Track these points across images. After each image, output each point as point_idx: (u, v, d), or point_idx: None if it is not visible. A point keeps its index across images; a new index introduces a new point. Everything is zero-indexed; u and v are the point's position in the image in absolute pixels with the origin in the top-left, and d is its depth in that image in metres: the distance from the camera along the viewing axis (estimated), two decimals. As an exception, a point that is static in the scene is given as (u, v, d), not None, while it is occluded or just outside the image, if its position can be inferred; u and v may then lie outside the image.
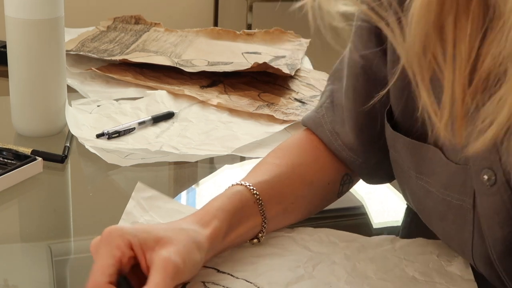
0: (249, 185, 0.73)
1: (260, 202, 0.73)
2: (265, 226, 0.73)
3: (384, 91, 0.69)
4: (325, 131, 0.81)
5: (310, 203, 0.79)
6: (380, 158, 0.79)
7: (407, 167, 0.72)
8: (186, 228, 0.66)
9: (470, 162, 0.64)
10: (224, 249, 0.70)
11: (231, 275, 0.67)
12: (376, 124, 0.77)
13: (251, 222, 0.72)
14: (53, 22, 0.94)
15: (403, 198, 0.80)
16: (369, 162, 0.80)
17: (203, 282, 0.66)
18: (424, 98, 0.57)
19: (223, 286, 0.66)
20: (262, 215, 0.73)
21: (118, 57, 1.22)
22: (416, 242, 0.74)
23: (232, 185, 0.74)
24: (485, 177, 0.62)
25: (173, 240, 0.62)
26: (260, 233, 0.73)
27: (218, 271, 0.68)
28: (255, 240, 0.73)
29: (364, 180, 0.83)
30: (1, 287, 0.66)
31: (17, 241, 0.73)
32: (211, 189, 0.90)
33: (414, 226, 0.82)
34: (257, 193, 0.73)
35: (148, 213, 0.76)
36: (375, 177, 0.83)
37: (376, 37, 0.74)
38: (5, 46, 0.97)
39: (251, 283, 0.66)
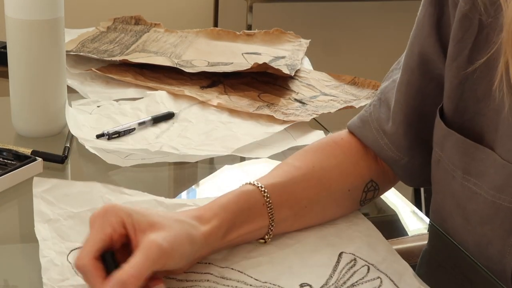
0: (260, 186, 0.72)
1: (270, 205, 0.72)
2: (272, 228, 0.72)
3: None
4: (372, 129, 0.80)
5: (325, 209, 0.77)
6: (425, 158, 0.77)
7: (454, 166, 0.71)
8: (183, 220, 0.66)
9: None
10: (224, 247, 0.70)
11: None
12: (425, 122, 0.76)
13: (257, 223, 0.71)
14: (53, 22, 0.94)
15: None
16: (414, 161, 0.79)
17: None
18: None
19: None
20: (270, 218, 0.72)
21: (118, 58, 1.22)
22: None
23: (245, 183, 0.73)
24: None
25: (166, 227, 0.63)
26: (267, 235, 0.72)
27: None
28: (261, 241, 0.73)
29: (404, 181, 0.82)
30: (1, 287, 0.66)
31: (17, 241, 0.73)
32: (211, 189, 0.90)
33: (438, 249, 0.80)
34: (268, 195, 0.72)
35: (56, 206, 0.75)
36: (417, 179, 0.81)
37: (437, 32, 0.73)
38: (5, 47, 0.97)
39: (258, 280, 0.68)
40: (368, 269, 0.69)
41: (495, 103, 0.67)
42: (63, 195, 0.76)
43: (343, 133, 0.84)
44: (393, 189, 0.91)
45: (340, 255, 0.70)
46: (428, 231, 0.82)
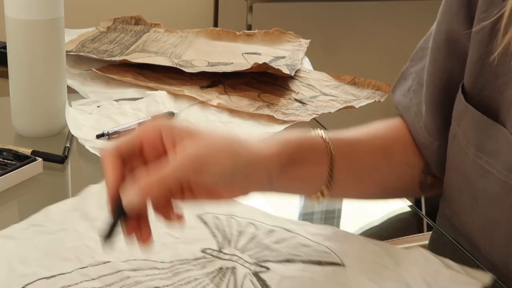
0: (323, 135, 0.70)
1: (331, 155, 0.69)
2: (330, 181, 0.69)
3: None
4: (411, 113, 0.79)
5: (385, 178, 0.75)
6: None
7: (468, 142, 0.70)
8: (235, 135, 0.63)
9: None
10: (282, 186, 0.67)
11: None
12: (451, 104, 0.74)
13: (317, 167, 0.69)
14: (53, 22, 0.94)
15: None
16: (444, 146, 0.76)
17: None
18: None
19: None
20: (330, 168, 0.69)
21: (118, 58, 1.22)
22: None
23: (311, 131, 0.71)
24: None
25: (206, 139, 0.60)
26: (325, 187, 0.69)
27: None
28: (319, 194, 0.69)
29: (438, 172, 0.78)
30: (1, 287, 0.66)
31: (17, 242, 0.73)
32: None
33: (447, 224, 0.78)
34: (331, 146, 0.69)
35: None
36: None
37: (466, 9, 0.71)
38: (5, 47, 0.97)
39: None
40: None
41: (511, 81, 0.66)
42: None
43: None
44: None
45: None
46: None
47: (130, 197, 0.58)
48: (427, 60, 0.77)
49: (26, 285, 0.63)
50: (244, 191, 0.64)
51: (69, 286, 0.64)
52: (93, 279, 0.64)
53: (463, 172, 0.71)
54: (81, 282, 0.64)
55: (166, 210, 0.61)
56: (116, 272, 0.65)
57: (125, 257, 0.67)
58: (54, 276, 0.65)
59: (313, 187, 0.69)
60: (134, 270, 0.66)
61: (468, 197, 0.71)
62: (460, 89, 0.72)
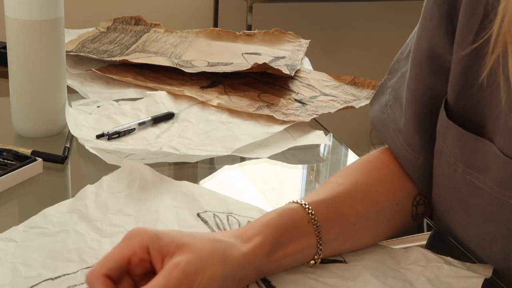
0: (304, 204, 0.69)
1: (316, 222, 0.68)
2: (321, 248, 0.68)
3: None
4: (390, 131, 0.78)
5: (377, 225, 0.73)
6: None
7: (455, 159, 0.68)
8: (219, 239, 0.62)
9: None
10: (273, 269, 0.66)
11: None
12: (435, 119, 0.73)
13: (304, 242, 0.68)
14: (53, 22, 0.94)
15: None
16: (430, 161, 0.74)
17: None
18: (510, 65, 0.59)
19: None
20: (318, 236, 0.68)
21: (118, 58, 1.22)
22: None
23: (288, 202, 0.70)
24: None
25: (194, 249, 0.60)
26: (316, 255, 0.68)
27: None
28: (312, 262, 0.69)
29: (423, 188, 0.77)
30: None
31: (17, 242, 0.73)
32: (211, 189, 0.90)
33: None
34: (313, 212, 0.68)
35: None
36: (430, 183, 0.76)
37: (447, 22, 0.69)
38: (5, 47, 0.97)
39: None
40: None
41: (496, 93, 0.65)
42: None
43: (382, 148, 0.81)
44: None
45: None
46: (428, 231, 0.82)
47: None
48: (408, 77, 0.75)
49: (32, 286, 0.63)
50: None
51: (75, 285, 0.64)
52: None
53: (454, 189, 0.70)
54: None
55: None
56: None
57: None
58: (59, 277, 0.65)
59: (304, 258, 0.69)
60: None
61: (462, 213, 0.70)
62: (442, 105, 0.71)
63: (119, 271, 0.59)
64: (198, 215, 0.76)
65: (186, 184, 0.82)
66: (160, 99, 1.09)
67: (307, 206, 0.69)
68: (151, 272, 0.60)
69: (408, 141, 0.76)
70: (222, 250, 0.61)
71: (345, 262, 0.70)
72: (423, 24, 0.72)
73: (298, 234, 0.67)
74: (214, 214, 0.76)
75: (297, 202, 0.69)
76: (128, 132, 0.98)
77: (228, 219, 0.76)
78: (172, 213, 0.76)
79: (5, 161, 0.87)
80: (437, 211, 0.75)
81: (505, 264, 0.67)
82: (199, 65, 1.23)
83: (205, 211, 0.77)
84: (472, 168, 0.67)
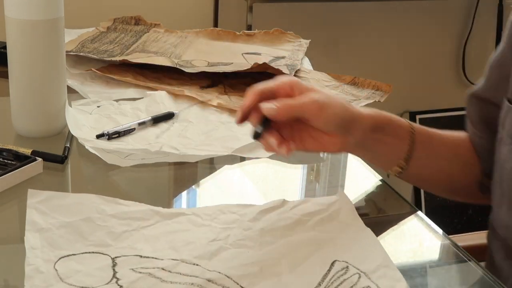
0: (409, 123, 0.85)
1: (413, 135, 0.84)
2: (410, 155, 0.84)
3: None
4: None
5: (453, 170, 0.89)
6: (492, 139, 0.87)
7: (510, 139, 0.80)
8: (344, 98, 0.80)
9: None
10: (368, 145, 0.81)
11: (156, 258, 0.69)
12: (498, 110, 0.86)
13: (400, 142, 0.83)
14: (53, 22, 0.94)
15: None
16: (487, 138, 0.89)
17: (132, 269, 0.67)
18: None
19: (154, 268, 0.67)
20: (410, 146, 0.84)
21: (118, 58, 1.22)
22: (305, 201, 0.81)
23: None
24: None
25: (326, 94, 0.77)
26: (402, 161, 0.84)
27: (141, 257, 0.69)
28: (396, 168, 0.85)
29: (486, 166, 0.90)
30: (1, 287, 0.66)
31: (17, 242, 0.73)
32: (211, 189, 0.90)
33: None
34: (414, 131, 0.84)
35: (50, 215, 0.75)
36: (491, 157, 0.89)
37: None
38: (5, 47, 0.97)
39: (177, 260, 0.68)
40: (359, 277, 0.68)
41: None
42: (57, 206, 0.76)
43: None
44: (393, 189, 0.91)
45: (333, 263, 0.70)
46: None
47: (268, 106, 0.74)
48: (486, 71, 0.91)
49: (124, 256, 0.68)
50: (343, 144, 0.79)
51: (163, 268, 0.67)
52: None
53: (509, 171, 0.80)
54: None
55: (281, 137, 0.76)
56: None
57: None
58: (148, 257, 0.69)
59: (393, 157, 0.84)
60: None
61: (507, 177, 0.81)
62: (506, 100, 0.84)
63: (269, 93, 0.76)
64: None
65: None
66: (160, 99, 1.09)
67: (411, 125, 0.85)
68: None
69: (471, 117, 0.93)
70: (344, 102, 0.78)
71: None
72: (507, 30, 0.87)
73: (398, 134, 0.84)
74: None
75: (405, 119, 0.85)
76: (128, 132, 0.98)
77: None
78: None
79: (5, 161, 0.87)
80: (493, 198, 0.86)
81: None
82: (199, 65, 1.23)
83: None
84: None
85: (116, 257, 0.68)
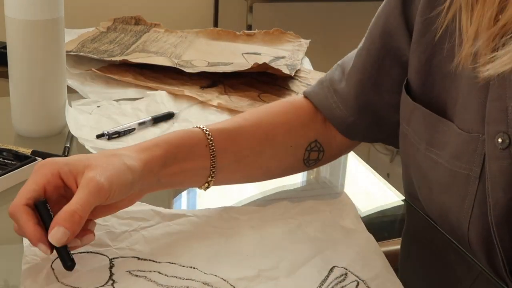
0: (205, 130, 0.76)
1: (212, 147, 0.75)
2: (213, 171, 0.76)
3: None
4: (323, 89, 0.85)
5: (268, 161, 0.81)
6: (372, 121, 0.83)
7: (419, 139, 0.75)
8: (121, 154, 0.69)
9: (486, 128, 0.67)
10: (170, 181, 0.73)
11: (153, 261, 0.68)
12: (375, 91, 0.82)
13: (198, 162, 0.75)
14: (53, 22, 0.94)
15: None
16: (360, 122, 0.83)
17: (129, 271, 0.66)
18: (463, 20, 0.65)
19: (150, 271, 0.66)
20: (212, 160, 0.75)
21: (118, 58, 1.22)
22: (308, 204, 0.79)
23: (192, 127, 0.77)
24: (499, 140, 0.65)
25: (102, 164, 0.66)
26: (209, 178, 0.76)
27: (139, 259, 0.68)
28: (205, 185, 0.76)
29: (346, 136, 0.86)
30: (1, 287, 0.66)
31: (17, 242, 0.73)
32: (211, 189, 0.90)
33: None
34: (211, 138, 0.75)
35: None
36: (358, 135, 0.86)
37: (403, 5, 0.77)
38: (5, 47, 0.97)
39: (175, 264, 0.68)
40: (357, 284, 0.67)
41: (457, 79, 0.71)
42: None
43: (299, 96, 0.89)
44: (391, 188, 0.91)
45: (331, 269, 0.69)
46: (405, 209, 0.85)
47: (56, 236, 0.62)
48: (361, 47, 0.83)
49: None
50: (140, 197, 0.72)
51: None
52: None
53: (418, 166, 0.75)
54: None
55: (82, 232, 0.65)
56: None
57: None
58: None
59: (198, 179, 0.76)
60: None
61: (425, 189, 0.75)
62: (404, 91, 0.77)
63: (36, 200, 0.64)
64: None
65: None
66: (160, 99, 1.09)
67: (207, 132, 0.76)
68: (65, 197, 0.65)
69: (345, 103, 0.83)
70: (125, 162, 0.67)
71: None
72: (384, 3, 0.80)
73: (194, 154, 0.74)
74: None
75: (199, 127, 0.76)
76: (128, 132, 0.98)
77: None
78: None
79: (5, 161, 0.87)
80: (411, 190, 0.81)
81: (460, 233, 0.72)
82: (199, 65, 1.23)
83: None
84: (432, 145, 0.73)
85: (113, 258, 0.68)
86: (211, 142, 0.75)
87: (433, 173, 0.73)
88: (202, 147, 0.75)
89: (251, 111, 0.84)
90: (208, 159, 0.75)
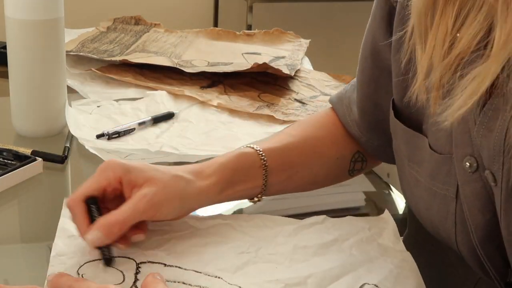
0: (259, 150, 0.78)
1: (265, 167, 0.78)
2: (264, 189, 0.78)
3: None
4: (343, 106, 0.85)
5: (316, 175, 0.82)
6: (383, 142, 0.81)
7: (402, 154, 0.74)
8: (181, 176, 0.71)
9: (453, 150, 0.65)
10: (221, 201, 0.76)
11: (179, 267, 0.67)
12: (378, 111, 0.80)
13: (252, 183, 0.77)
14: (53, 22, 0.94)
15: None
16: (373, 142, 0.83)
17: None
18: (418, 53, 0.62)
19: (174, 281, 0.65)
20: (264, 179, 0.78)
21: (118, 58, 1.22)
22: (347, 219, 0.77)
23: (245, 146, 0.79)
24: (467, 164, 0.63)
25: (160, 183, 0.69)
26: (260, 194, 0.78)
27: (165, 265, 0.68)
28: (255, 199, 0.79)
29: (371, 156, 0.86)
30: (1, 287, 0.66)
31: (17, 242, 0.73)
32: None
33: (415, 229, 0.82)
34: (265, 158, 0.78)
35: None
36: (380, 157, 0.86)
37: (387, 23, 0.75)
38: (5, 47, 0.97)
39: (200, 272, 0.67)
40: None
41: None
42: None
43: (331, 107, 0.89)
44: (393, 189, 0.91)
45: (362, 286, 0.66)
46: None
47: (91, 237, 0.65)
48: (357, 69, 0.83)
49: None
50: (184, 215, 0.73)
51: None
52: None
53: (406, 181, 0.75)
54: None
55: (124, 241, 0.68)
56: None
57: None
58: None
59: (249, 196, 0.79)
60: None
61: (413, 205, 0.74)
62: (391, 106, 0.76)
63: (96, 195, 0.68)
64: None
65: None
66: (160, 99, 1.09)
67: (261, 152, 0.78)
68: (120, 199, 0.68)
69: (357, 122, 0.83)
70: (183, 187, 0.71)
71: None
72: (370, 21, 0.79)
73: (248, 176, 0.77)
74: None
75: (252, 148, 0.78)
76: (128, 132, 0.98)
77: None
78: None
79: (5, 161, 0.87)
80: (407, 201, 0.80)
81: (452, 245, 0.70)
82: (199, 65, 1.23)
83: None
84: (413, 162, 0.72)
85: (140, 263, 0.67)
86: (264, 163, 0.78)
87: (416, 190, 0.72)
88: (256, 169, 0.77)
89: (294, 126, 0.87)
90: (261, 179, 0.78)
